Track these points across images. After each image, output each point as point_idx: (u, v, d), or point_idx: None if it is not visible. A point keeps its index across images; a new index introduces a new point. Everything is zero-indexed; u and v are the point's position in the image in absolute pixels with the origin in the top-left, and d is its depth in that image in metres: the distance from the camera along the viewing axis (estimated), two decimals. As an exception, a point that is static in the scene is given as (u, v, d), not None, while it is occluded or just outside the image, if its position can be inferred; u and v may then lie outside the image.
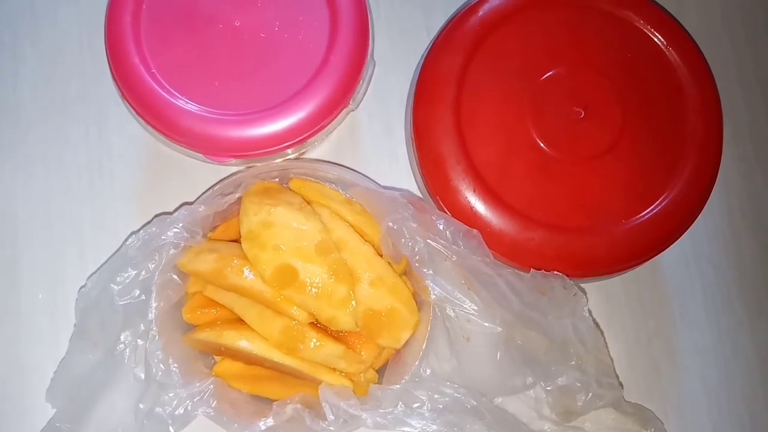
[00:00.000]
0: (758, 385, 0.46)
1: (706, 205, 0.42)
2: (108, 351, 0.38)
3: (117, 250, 0.41)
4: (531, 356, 0.39)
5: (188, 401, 0.37)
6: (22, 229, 0.45)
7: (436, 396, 0.37)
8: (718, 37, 0.50)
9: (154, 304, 0.38)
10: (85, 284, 0.40)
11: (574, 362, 0.39)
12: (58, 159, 0.46)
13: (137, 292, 0.38)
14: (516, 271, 0.39)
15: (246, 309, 0.38)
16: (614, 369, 0.42)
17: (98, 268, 0.41)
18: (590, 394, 0.39)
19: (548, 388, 0.40)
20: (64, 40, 0.47)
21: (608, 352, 0.42)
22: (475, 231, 0.39)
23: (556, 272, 0.39)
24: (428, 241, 0.37)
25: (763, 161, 0.49)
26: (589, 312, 0.40)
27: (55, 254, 0.44)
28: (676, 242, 0.42)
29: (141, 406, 0.37)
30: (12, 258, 0.44)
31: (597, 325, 0.42)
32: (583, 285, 0.45)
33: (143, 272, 0.38)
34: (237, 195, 0.40)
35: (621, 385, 0.42)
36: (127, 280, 0.38)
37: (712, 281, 0.47)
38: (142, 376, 0.38)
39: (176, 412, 0.37)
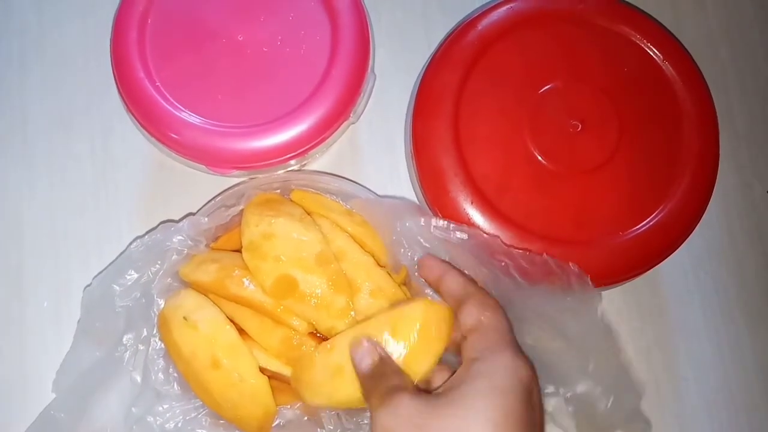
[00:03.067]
0: (758, 396, 0.46)
1: (704, 216, 0.42)
2: (110, 350, 0.38)
3: (121, 253, 0.42)
4: (545, 360, 0.37)
5: (181, 417, 0.37)
6: (28, 238, 0.45)
7: None
8: (716, 49, 0.50)
9: (156, 311, 0.39)
10: (91, 283, 0.40)
11: (591, 366, 0.38)
12: (64, 169, 0.46)
13: (138, 294, 0.38)
14: (528, 254, 0.39)
15: (246, 319, 0.39)
16: (630, 378, 0.40)
17: (103, 269, 0.42)
18: (612, 399, 0.37)
19: (567, 396, 0.38)
20: (71, 53, 0.48)
21: (622, 358, 0.40)
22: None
23: (571, 264, 0.38)
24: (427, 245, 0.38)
25: (761, 172, 0.49)
26: (602, 314, 0.39)
27: (60, 263, 0.45)
28: (674, 253, 0.42)
29: (133, 410, 0.37)
30: (18, 266, 0.45)
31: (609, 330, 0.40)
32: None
33: (145, 276, 0.39)
34: (240, 207, 0.40)
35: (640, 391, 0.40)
36: (129, 282, 0.38)
37: (711, 291, 0.47)
38: (139, 380, 0.38)
39: (167, 425, 0.37)
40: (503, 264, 0.38)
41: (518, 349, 0.33)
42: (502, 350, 0.32)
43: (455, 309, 0.35)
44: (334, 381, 0.35)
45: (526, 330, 0.38)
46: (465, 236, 0.38)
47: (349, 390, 0.34)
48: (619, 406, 0.37)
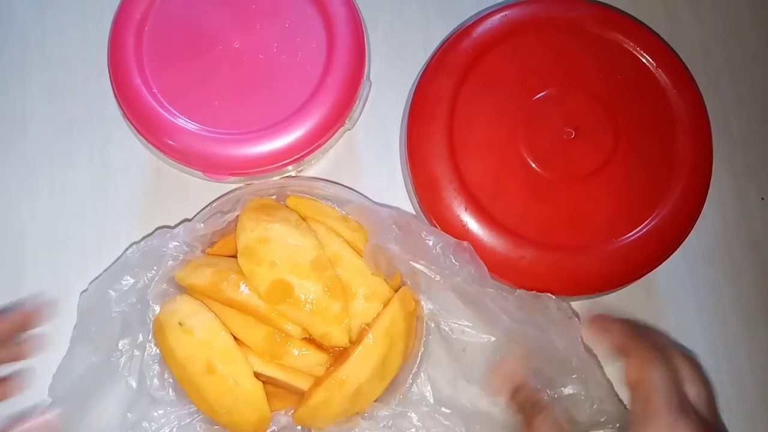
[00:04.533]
0: (755, 401, 0.46)
1: (700, 223, 0.42)
2: (105, 355, 0.39)
3: (117, 259, 0.42)
4: (531, 366, 0.39)
5: (176, 422, 0.37)
6: (27, 244, 0.46)
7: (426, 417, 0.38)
8: (711, 56, 0.50)
9: (152, 317, 0.39)
10: (87, 288, 0.41)
11: (575, 376, 0.39)
12: (63, 176, 0.47)
13: (134, 299, 0.39)
14: (502, 292, 0.39)
15: (230, 317, 0.39)
16: (614, 391, 0.41)
17: (100, 275, 0.42)
18: (595, 405, 0.39)
19: (554, 396, 0.39)
20: (71, 60, 0.48)
21: (604, 374, 0.41)
22: (465, 243, 0.39)
23: (548, 294, 0.39)
24: (411, 262, 0.38)
25: (757, 178, 0.49)
26: (582, 338, 0.40)
27: (59, 269, 0.45)
28: (669, 259, 0.42)
29: (129, 415, 0.38)
30: (17, 272, 0.45)
31: (590, 350, 0.41)
32: (576, 302, 0.45)
33: (141, 281, 0.39)
34: (236, 213, 0.41)
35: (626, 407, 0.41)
36: (125, 288, 0.39)
37: (706, 297, 0.47)
38: (134, 385, 0.38)
39: (162, 431, 0.37)
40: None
41: (679, 413, 0.33)
42: (658, 419, 0.32)
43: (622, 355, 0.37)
44: (355, 402, 0.38)
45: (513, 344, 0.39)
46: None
47: (364, 405, 0.38)
48: (602, 413, 0.38)
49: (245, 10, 0.43)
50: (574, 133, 0.42)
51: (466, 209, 0.41)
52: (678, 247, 0.42)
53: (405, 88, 0.47)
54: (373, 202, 0.44)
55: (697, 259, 0.47)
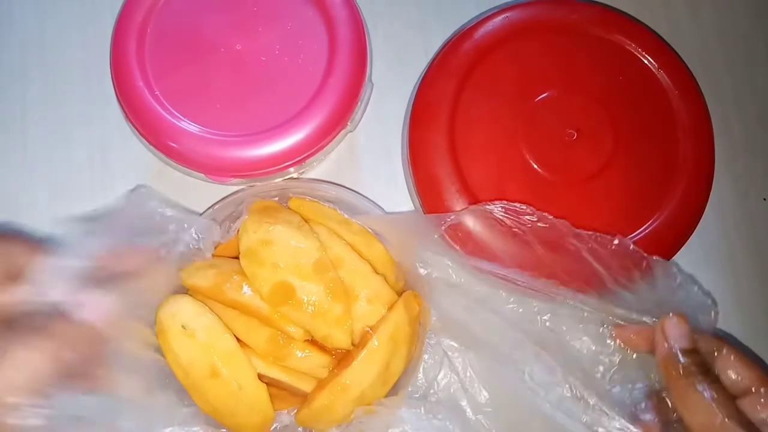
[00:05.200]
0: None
1: (700, 225, 0.42)
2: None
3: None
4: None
5: (176, 422, 0.37)
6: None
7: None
8: (711, 58, 0.50)
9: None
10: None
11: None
12: (64, 178, 0.47)
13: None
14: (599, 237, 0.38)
15: (233, 319, 0.39)
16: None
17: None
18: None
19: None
20: (71, 63, 0.48)
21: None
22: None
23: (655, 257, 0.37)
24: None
25: (757, 181, 0.49)
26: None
27: (60, 271, 0.45)
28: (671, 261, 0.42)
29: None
30: (17, 275, 0.45)
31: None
32: (578, 304, 0.45)
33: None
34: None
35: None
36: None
37: (708, 302, 0.47)
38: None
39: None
40: (573, 248, 0.37)
41: None
42: None
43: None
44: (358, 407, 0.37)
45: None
46: (534, 218, 0.38)
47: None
48: None
49: (247, 12, 0.43)
50: (575, 135, 0.42)
51: (468, 211, 0.41)
52: (679, 249, 0.42)
53: (406, 90, 0.47)
54: (376, 204, 0.44)
55: (697, 261, 0.47)
